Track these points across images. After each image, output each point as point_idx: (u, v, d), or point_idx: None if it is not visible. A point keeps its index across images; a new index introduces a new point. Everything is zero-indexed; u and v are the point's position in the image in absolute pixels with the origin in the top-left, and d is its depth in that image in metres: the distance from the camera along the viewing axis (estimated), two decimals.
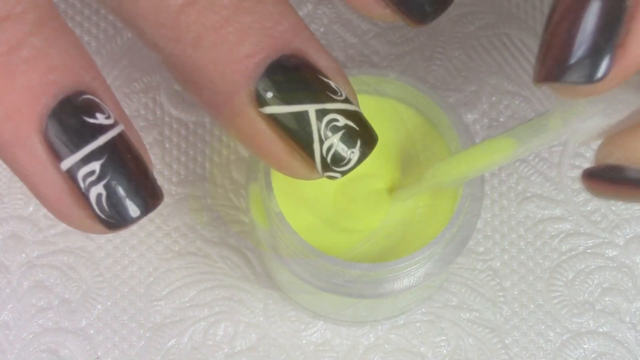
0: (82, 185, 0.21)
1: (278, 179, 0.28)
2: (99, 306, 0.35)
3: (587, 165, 0.36)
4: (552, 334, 0.34)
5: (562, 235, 0.35)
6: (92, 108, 0.21)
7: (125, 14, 0.22)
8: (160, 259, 0.35)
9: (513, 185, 0.36)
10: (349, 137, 0.23)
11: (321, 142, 0.23)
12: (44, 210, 0.36)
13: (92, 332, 0.35)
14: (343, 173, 0.23)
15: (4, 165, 0.37)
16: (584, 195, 0.36)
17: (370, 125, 0.23)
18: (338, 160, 0.23)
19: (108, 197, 0.21)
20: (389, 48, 0.37)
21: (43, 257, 0.35)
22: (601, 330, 0.34)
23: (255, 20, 0.22)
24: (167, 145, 0.36)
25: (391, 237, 0.28)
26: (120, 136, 0.22)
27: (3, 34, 0.21)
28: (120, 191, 0.22)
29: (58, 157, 0.21)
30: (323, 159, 0.23)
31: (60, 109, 0.21)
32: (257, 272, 0.35)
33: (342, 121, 0.23)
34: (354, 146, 0.23)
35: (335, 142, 0.23)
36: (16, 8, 0.21)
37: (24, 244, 0.35)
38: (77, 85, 0.21)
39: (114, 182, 0.21)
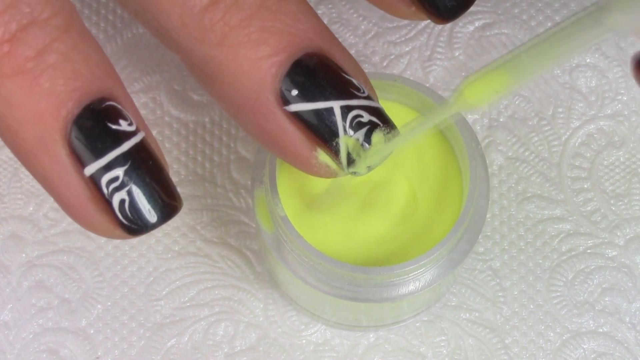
0: (105, 191, 0.22)
1: (283, 183, 0.28)
2: (99, 306, 0.35)
3: (587, 165, 0.36)
4: (552, 334, 0.34)
5: (562, 236, 0.35)
6: (115, 114, 0.22)
7: (149, 15, 0.22)
8: (160, 258, 0.35)
9: (513, 185, 0.36)
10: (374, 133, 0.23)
11: (347, 136, 0.23)
12: (44, 210, 0.36)
13: (92, 332, 0.35)
14: (368, 169, 0.24)
15: (4, 165, 0.36)
16: (584, 195, 0.36)
17: (392, 121, 0.24)
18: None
19: (131, 202, 0.22)
20: (389, 48, 0.37)
21: (43, 257, 0.35)
22: (601, 330, 0.34)
23: (279, 19, 0.22)
24: (167, 145, 0.36)
25: (397, 241, 0.28)
26: (143, 142, 0.22)
27: (31, 40, 0.21)
28: (143, 197, 0.22)
29: (81, 163, 0.21)
30: (349, 154, 0.23)
31: (84, 115, 0.21)
32: (257, 272, 0.35)
33: (366, 117, 0.23)
34: None
35: (360, 137, 0.23)
36: (42, 13, 0.21)
37: (24, 244, 0.35)
38: (100, 92, 0.22)
39: (136, 188, 0.22)
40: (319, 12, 0.38)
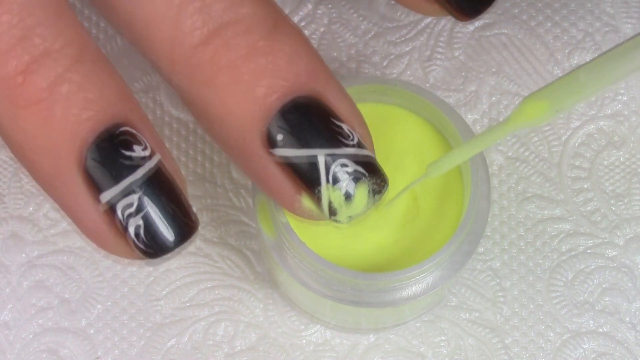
0: (121, 217, 0.22)
1: None
2: (99, 306, 0.35)
3: (587, 165, 0.36)
4: (552, 334, 0.34)
5: (562, 236, 0.35)
6: (129, 141, 0.22)
7: (139, 50, 0.22)
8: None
9: (513, 185, 0.36)
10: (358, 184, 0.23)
11: (329, 187, 0.23)
12: (44, 210, 0.36)
13: (92, 332, 0.35)
14: (350, 219, 0.23)
15: (4, 165, 0.36)
16: (584, 195, 0.36)
17: (381, 170, 0.23)
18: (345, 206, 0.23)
19: (146, 228, 0.22)
20: (389, 48, 0.37)
21: (43, 257, 0.35)
22: (601, 330, 0.34)
23: (270, 62, 0.22)
24: (167, 145, 0.36)
25: (398, 245, 0.28)
26: (158, 167, 0.22)
27: (43, 71, 0.21)
28: (158, 222, 0.22)
29: (97, 190, 0.22)
30: (330, 204, 0.23)
31: (98, 143, 0.21)
32: (257, 272, 0.35)
33: (351, 167, 0.23)
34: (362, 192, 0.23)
35: (343, 189, 0.23)
36: (55, 44, 0.21)
37: (24, 244, 0.35)
38: (115, 118, 0.22)
39: (151, 214, 0.22)
40: (318, 12, 0.38)
